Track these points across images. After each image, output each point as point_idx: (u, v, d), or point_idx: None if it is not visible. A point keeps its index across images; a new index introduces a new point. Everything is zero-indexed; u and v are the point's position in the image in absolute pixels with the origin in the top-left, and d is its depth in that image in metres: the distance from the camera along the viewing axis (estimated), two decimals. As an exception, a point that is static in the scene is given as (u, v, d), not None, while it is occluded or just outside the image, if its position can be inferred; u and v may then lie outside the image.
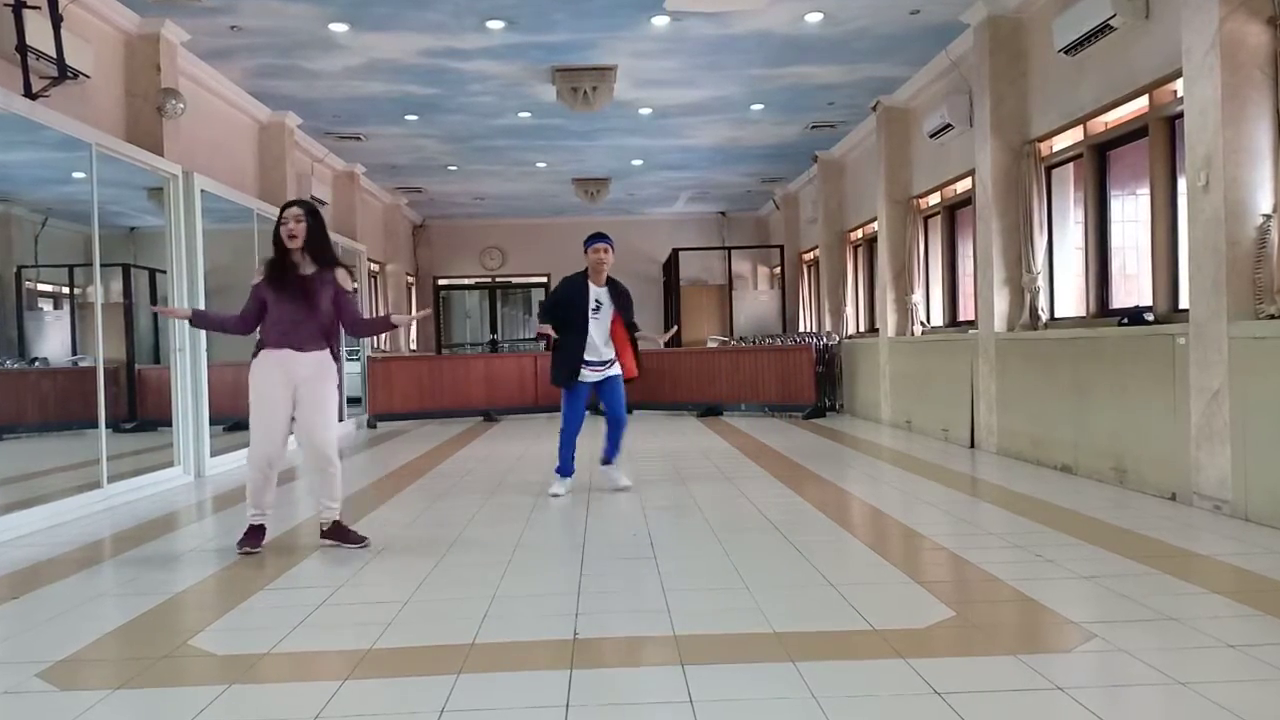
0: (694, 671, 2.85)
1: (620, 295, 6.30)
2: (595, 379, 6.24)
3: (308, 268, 4.77)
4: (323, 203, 12.04)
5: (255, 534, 4.80)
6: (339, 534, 4.86)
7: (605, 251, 6.21)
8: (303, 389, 4.74)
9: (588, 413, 6.47)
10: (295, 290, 4.72)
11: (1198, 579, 3.78)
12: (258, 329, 4.85)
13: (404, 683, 2.90)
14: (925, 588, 3.77)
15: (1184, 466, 5.37)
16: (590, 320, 6.13)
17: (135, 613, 3.71)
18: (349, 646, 3.22)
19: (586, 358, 6.14)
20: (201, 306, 7.77)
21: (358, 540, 4.84)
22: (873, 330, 12.31)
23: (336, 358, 4.93)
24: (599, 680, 2.84)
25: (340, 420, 9.92)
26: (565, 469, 6.39)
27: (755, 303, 17.28)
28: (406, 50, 8.75)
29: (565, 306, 6.19)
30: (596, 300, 6.17)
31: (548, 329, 6.18)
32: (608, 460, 6.47)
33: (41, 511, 5.69)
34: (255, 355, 4.81)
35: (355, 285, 4.94)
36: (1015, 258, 7.86)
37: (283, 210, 4.83)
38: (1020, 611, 3.47)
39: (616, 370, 6.29)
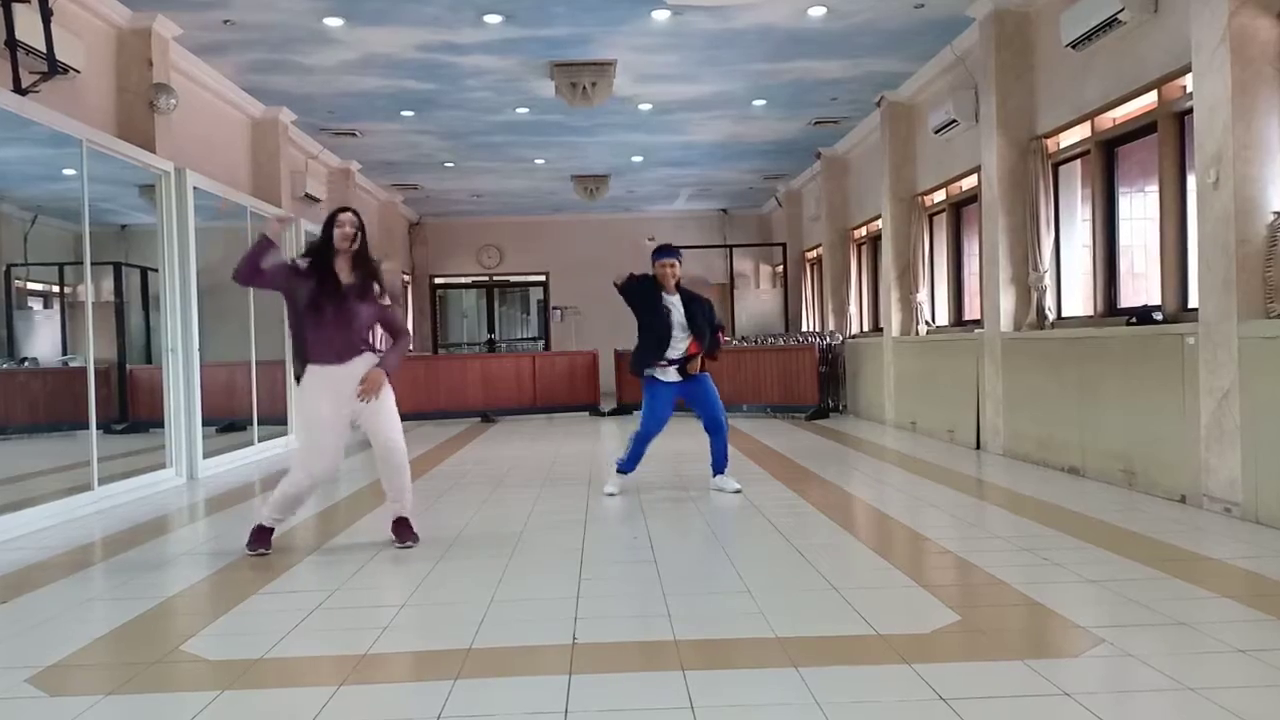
0: (695, 677, 2.85)
1: (693, 304, 6.35)
2: (677, 381, 6.32)
3: (348, 276, 4.78)
4: (317, 200, 12.04)
5: (266, 535, 4.81)
6: (402, 528, 4.90)
7: (672, 266, 6.34)
8: (349, 402, 4.73)
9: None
10: (336, 298, 4.70)
11: (1208, 583, 3.78)
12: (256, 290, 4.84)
13: (400, 688, 2.91)
14: (930, 592, 3.77)
15: (1193, 468, 5.37)
16: (670, 324, 6.27)
17: (127, 617, 3.71)
18: (344, 651, 3.22)
19: (669, 357, 6.27)
20: (195, 307, 7.77)
21: (404, 540, 4.87)
22: (877, 330, 12.31)
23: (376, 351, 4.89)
24: (598, 686, 2.84)
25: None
26: (627, 465, 6.45)
27: (757, 302, 17.28)
28: (402, 45, 8.75)
29: (640, 299, 6.32)
30: (667, 307, 6.30)
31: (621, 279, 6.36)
32: (718, 471, 6.49)
33: (31, 514, 5.69)
34: (301, 371, 4.79)
35: (386, 302, 4.94)
36: (1022, 256, 7.86)
37: (337, 213, 4.83)
38: (1027, 616, 3.47)
39: (684, 376, 6.34)
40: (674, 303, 6.34)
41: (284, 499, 4.79)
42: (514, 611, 3.64)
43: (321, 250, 4.77)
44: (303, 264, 4.79)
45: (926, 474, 7.02)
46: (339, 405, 4.73)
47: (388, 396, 4.85)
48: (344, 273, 4.78)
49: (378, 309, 4.85)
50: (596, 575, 4.18)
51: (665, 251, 6.44)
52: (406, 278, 18.18)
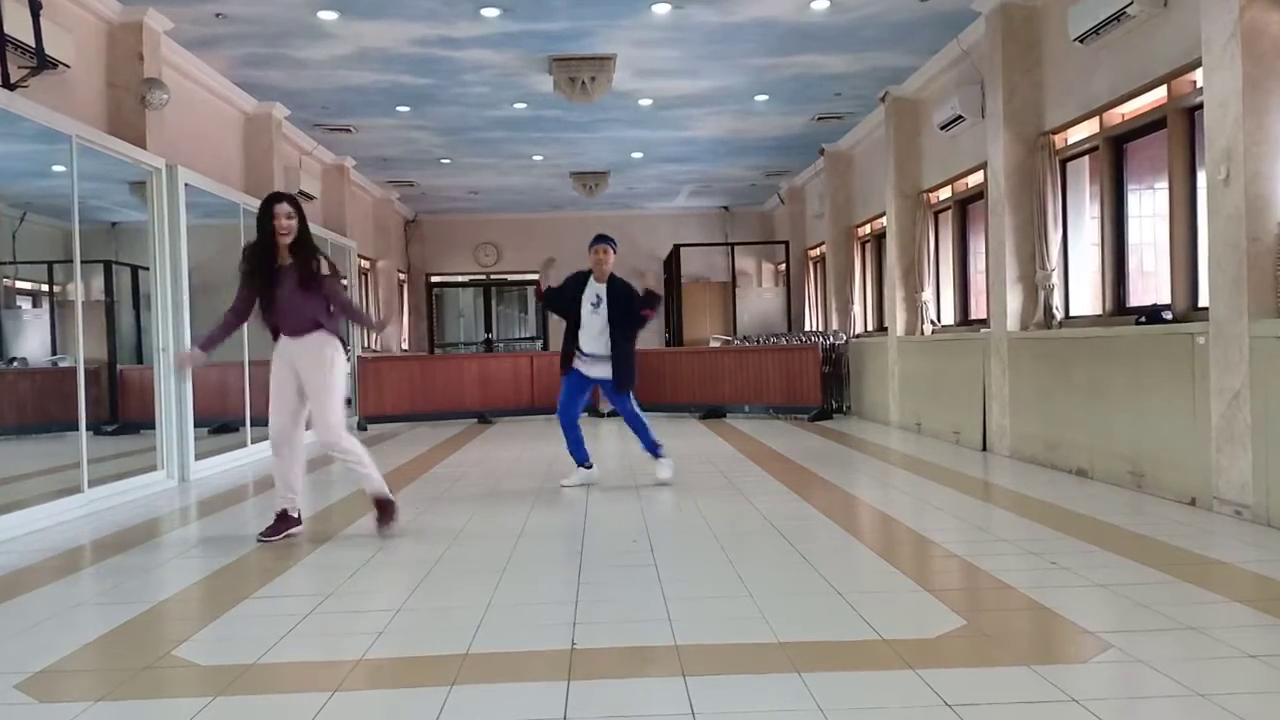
0: (696, 683, 2.85)
1: (618, 292, 6.70)
2: (593, 375, 6.71)
3: (287, 258, 5.13)
4: (311, 197, 12.04)
5: (279, 521, 5.18)
6: (381, 508, 5.26)
7: (604, 253, 6.74)
8: (304, 375, 5.13)
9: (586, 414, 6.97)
10: (281, 280, 5.11)
11: (1218, 587, 3.78)
12: (252, 313, 5.26)
13: (396, 694, 2.90)
14: (935, 596, 3.77)
15: (1204, 470, 5.38)
16: (585, 313, 6.67)
17: (117, 622, 3.71)
18: (339, 657, 3.22)
19: (581, 347, 6.68)
20: (186, 305, 7.76)
21: (387, 520, 5.24)
22: (881, 329, 12.32)
23: (343, 340, 5.28)
24: (598, 692, 2.84)
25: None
26: (577, 457, 6.85)
27: (759, 301, 17.28)
28: (398, 39, 8.75)
29: (565, 296, 6.74)
30: (596, 296, 6.68)
31: (540, 285, 6.81)
32: (653, 456, 7.00)
33: (19, 517, 5.69)
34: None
35: (344, 277, 5.21)
36: (1029, 254, 7.86)
37: (272, 205, 5.11)
38: (1034, 620, 3.47)
39: (601, 375, 6.73)
40: (598, 291, 6.69)
41: (273, 474, 5.26)
42: (511, 616, 3.64)
43: (262, 248, 5.12)
44: (247, 267, 5.18)
45: (931, 476, 7.02)
46: (290, 374, 5.15)
47: (328, 385, 5.15)
48: (284, 257, 5.12)
49: (323, 289, 5.13)
50: (595, 579, 4.18)
51: (597, 238, 6.84)
52: (402, 276, 18.16)
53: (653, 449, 6.93)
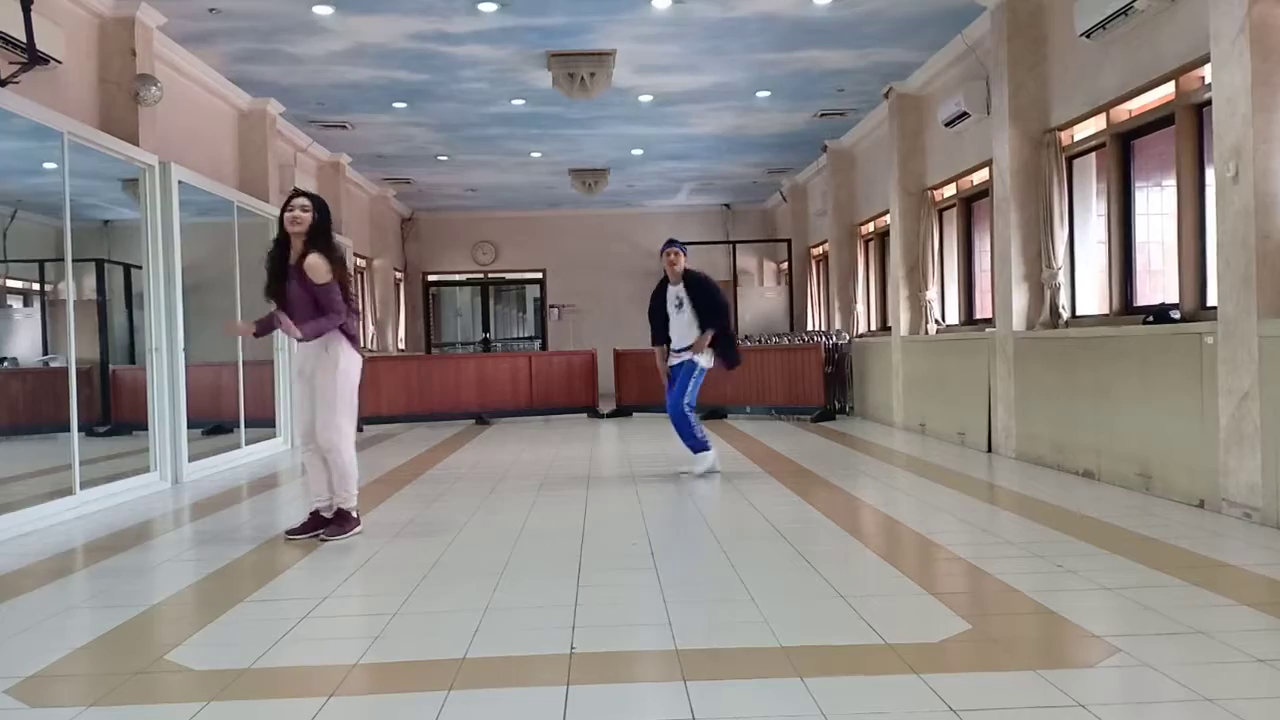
0: (697, 688, 2.85)
1: (693, 287, 7.28)
2: (681, 360, 7.32)
3: (297, 257, 5.12)
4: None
5: (309, 520, 5.23)
6: (336, 520, 5.25)
7: (676, 255, 7.34)
8: (305, 376, 5.20)
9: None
10: (289, 277, 5.12)
11: (1226, 590, 3.78)
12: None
13: (392, 699, 2.91)
14: (940, 599, 3.78)
15: (1212, 472, 5.38)
16: (671, 315, 7.33)
17: (109, 626, 3.71)
18: (334, 661, 3.22)
19: (674, 346, 7.37)
20: (180, 305, 7.76)
21: (345, 529, 5.24)
22: (885, 329, 12.32)
23: (353, 339, 5.24)
24: (597, 697, 2.84)
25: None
26: (691, 445, 7.37)
27: (761, 300, 17.28)
28: (394, 34, 8.75)
29: (655, 313, 7.42)
30: (677, 298, 7.32)
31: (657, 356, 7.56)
32: (695, 451, 7.44)
33: (11, 519, 5.69)
34: None
35: (325, 280, 5.08)
36: (1035, 252, 7.86)
37: (289, 199, 5.19)
38: (1040, 624, 3.47)
39: (684, 359, 7.30)
40: (677, 292, 7.31)
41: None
42: (510, 620, 3.64)
43: (278, 240, 5.18)
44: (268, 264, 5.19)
45: (936, 478, 7.02)
46: (300, 375, 5.27)
47: (326, 387, 5.13)
48: (296, 255, 5.13)
49: (310, 289, 5.05)
50: (595, 582, 4.18)
51: (666, 242, 7.47)
52: (398, 275, 18.16)
53: (697, 446, 7.38)
